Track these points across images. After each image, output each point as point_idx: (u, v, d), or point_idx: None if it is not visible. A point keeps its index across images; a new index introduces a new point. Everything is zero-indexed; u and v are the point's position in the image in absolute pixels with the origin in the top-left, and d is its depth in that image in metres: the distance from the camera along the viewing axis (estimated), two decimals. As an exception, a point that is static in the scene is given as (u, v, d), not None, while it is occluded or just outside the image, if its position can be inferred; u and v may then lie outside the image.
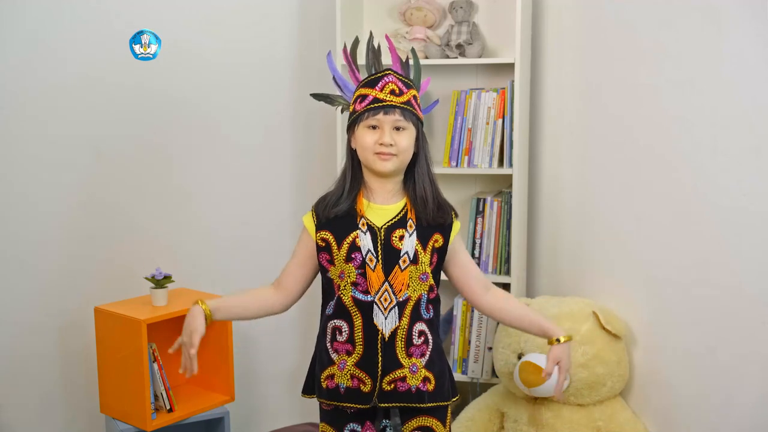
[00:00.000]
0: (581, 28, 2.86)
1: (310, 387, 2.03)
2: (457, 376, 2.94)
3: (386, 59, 2.04)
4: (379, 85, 1.90)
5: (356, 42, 2.08)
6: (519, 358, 2.62)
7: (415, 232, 1.92)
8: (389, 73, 1.92)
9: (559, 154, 2.98)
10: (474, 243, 2.92)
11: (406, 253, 1.90)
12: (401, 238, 1.91)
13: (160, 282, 2.68)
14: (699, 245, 2.47)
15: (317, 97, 2.10)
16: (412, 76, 2.01)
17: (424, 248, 1.92)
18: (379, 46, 2.03)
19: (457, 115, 2.91)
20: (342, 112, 2.08)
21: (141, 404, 2.58)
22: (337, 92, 2.08)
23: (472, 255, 2.92)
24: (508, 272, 2.87)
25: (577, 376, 2.55)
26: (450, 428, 2.03)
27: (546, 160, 3.02)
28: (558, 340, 1.97)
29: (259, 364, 3.21)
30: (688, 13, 2.46)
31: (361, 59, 2.06)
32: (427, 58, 2.94)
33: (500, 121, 2.85)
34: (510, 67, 2.80)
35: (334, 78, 2.06)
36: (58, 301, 2.82)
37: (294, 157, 3.20)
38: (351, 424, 1.96)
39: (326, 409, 2.00)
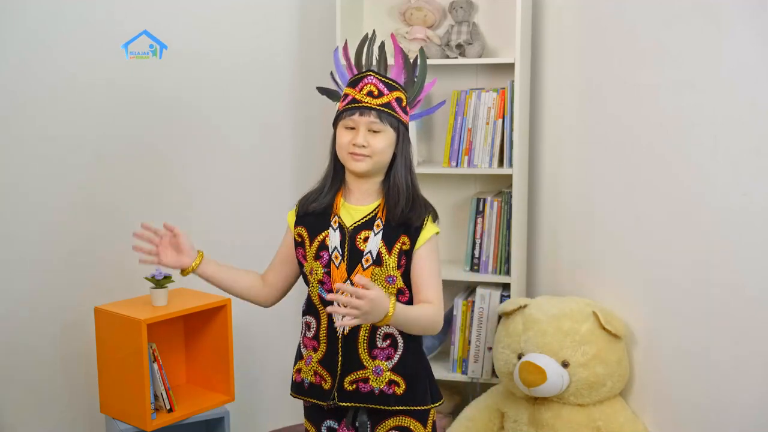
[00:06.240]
0: (581, 28, 2.86)
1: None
2: (457, 376, 2.94)
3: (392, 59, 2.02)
4: (359, 85, 1.91)
5: (364, 40, 2.04)
6: (519, 358, 2.62)
7: (381, 233, 1.90)
8: (370, 74, 1.92)
9: (559, 154, 2.98)
10: (474, 243, 2.92)
11: (369, 252, 1.89)
12: (366, 239, 1.90)
13: (160, 282, 2.68)
14: (698, 245, 2.47)
15: (322, 91, 2.10)
16: (416, 76, 2.00)
17: (390, 250, 1.89)
18: (383, 44, 2.02)
19: (457, 115, 2.90)
20: None
21: (141, 404, 2.57)
22: (336, 88, 2.08)
23: (472, 255, 2.92)
24: (508, 272, 2.87)
25: (577, 376, 2.55)
26: (435, 429, 2.01)
27: (546, 160, 3.02)
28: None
29: (259, 364, 3.21)
30: (688, 13, 2.47)
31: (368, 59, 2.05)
32: (427, 57, 2.94)
33: (500, 121, 2.85)
34: (510, 67, 2.80)
35: (331, 73, 2.06)
36: (58, 301, 2.81)
37: (294, 157, 3.21)
38: (328, 421, 1.99)
39: (306, 406, 2.03)
